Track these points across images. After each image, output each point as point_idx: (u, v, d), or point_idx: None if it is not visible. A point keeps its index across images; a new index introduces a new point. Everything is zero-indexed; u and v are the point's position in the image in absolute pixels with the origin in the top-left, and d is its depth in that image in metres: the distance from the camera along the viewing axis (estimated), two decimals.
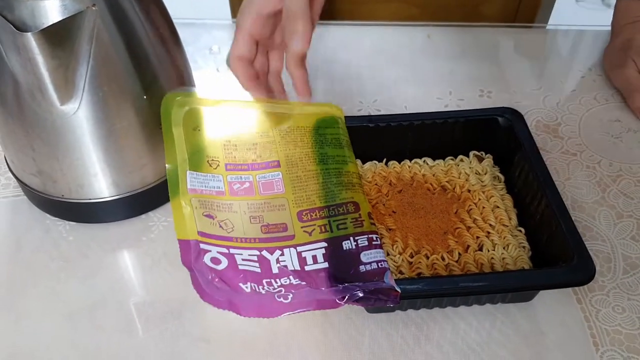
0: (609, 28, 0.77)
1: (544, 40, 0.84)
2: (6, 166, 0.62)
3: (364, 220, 0.49)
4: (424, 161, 0.60)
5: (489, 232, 0.54)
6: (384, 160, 0.60)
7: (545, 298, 0.52)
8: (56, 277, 0.54)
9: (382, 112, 0.70)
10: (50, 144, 0.51)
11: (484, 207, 0.56)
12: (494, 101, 0.72)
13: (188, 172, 0.49)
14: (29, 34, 0.43)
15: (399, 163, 0.60)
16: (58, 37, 0.45)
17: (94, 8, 0.45)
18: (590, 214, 0.59)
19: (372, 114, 0.70)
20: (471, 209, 0.56)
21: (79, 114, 0.50)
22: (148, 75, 0.52)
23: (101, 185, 0.55)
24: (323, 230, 0.48)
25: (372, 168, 0.60)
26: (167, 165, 0.49)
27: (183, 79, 0.56)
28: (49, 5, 0.45)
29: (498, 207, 0.56)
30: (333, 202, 0.50)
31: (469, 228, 0.54)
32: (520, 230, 0.55)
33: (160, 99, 0.52)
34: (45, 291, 0.53)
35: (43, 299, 0.52)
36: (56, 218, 0.58)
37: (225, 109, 0.54)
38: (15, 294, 0.53)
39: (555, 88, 0.74)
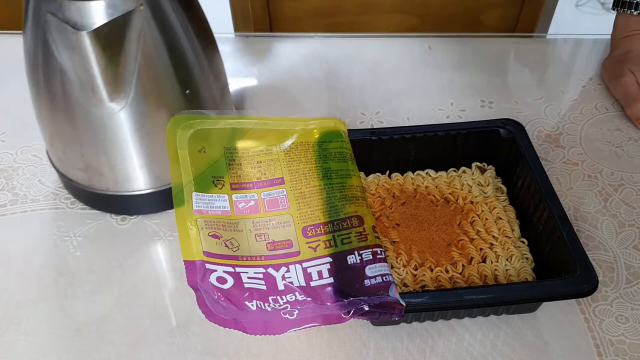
0: (609, 36, 0.78)
1: (544, 49, 0.85)
2: (15, 181, 0.63)
3: (368, 234, 0.49)
4: (427, 173, 0.61)
5: (492, 244, 0.54)
6: (387, 173, 0.61)
7: (549, 309, 0.52)
8: (64, 292, 0.54)
9: (385, 124, 0.71)
10: (99, 139, 0.53)
11: (486, 219, 0.56)
12: (495, 111, 0.72)
13: (194, 193, 0.50)
14: (84, 32, 0.45)
15: (402, 175, 0.61)
16: (109, 36, 0.47)
17: (141, 7, 0.47)
18: (593, 224, 0.59)
19: (375, 126, 0.71)
20: (474, 221, 0.56)
21: (126, 110, 0.52)
22: (188, 73, 0.54)
23: (145, 178, 0.57)
24: (328, 245, 0.48)
25: (375, 180, 0.60)
26: (172, 188, 0.50)
27: (219, 79, 0.59)
28: (97, 6, 0.46)
29: (501, 218, 0.56)
30: (337, 217, 0.50)
31: (472, 240, 0.55)
32: (523, 242, 0.55)
33: (201, 95, 0.54)
34: (53, 306, 0.53)
35: (51, 313, 0.53)
36: (66, 231, 0.59)
37: (229, 128, 0.55)
38: (24, 308, 0.53)
39: (556, 98, 0.74)
